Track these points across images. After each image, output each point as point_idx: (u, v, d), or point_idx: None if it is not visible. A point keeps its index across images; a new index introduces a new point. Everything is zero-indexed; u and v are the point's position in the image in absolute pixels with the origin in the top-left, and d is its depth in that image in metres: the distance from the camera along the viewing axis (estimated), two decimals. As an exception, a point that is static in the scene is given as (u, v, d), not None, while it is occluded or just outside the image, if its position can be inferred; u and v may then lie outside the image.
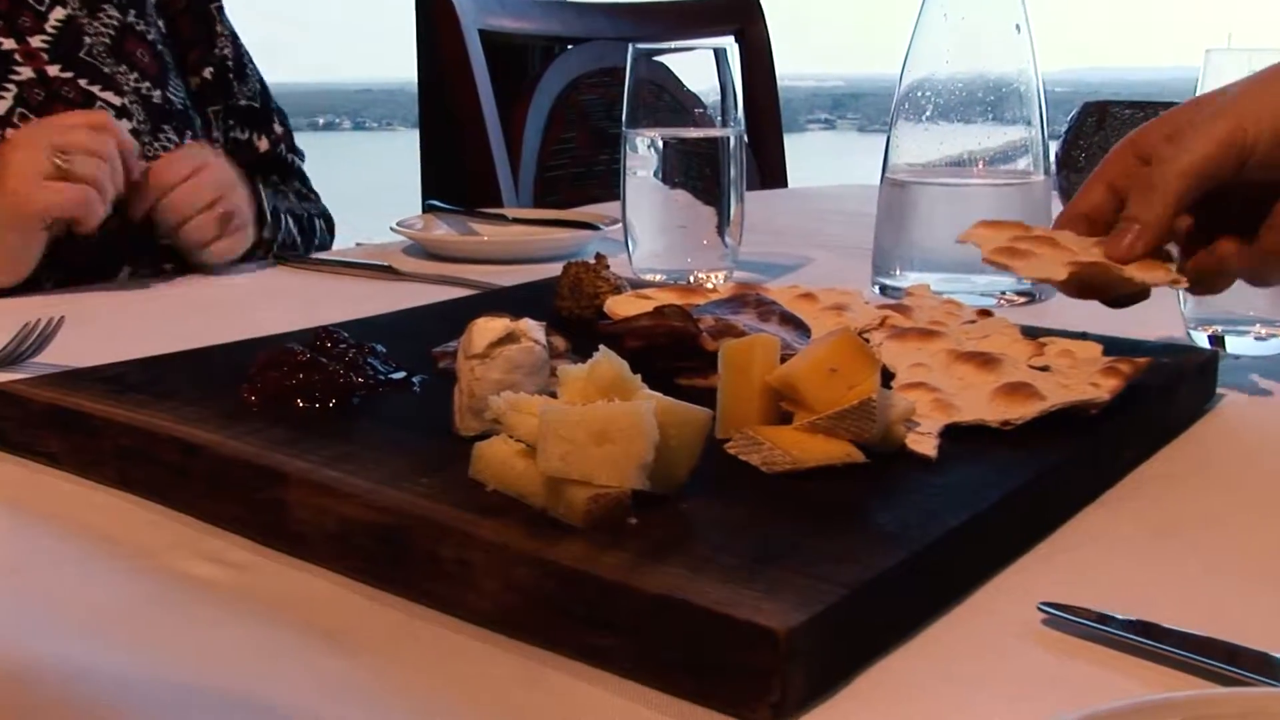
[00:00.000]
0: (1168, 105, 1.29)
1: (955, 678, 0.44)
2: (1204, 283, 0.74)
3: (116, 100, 1.18)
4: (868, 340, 0.74)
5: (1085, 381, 0.65)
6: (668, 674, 0.43)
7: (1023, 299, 1.01)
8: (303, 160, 1.46)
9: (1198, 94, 1.04)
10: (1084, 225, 0.76)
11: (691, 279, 1.09)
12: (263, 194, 1.23)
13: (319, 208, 1.44)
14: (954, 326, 0.77)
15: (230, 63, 1.35)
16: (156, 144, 1.20)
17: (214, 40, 1.34)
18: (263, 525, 0.56)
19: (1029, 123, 1.00)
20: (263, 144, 1.38)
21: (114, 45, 1.21)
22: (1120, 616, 0.46)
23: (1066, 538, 0.56)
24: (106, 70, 1.19)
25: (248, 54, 1.39)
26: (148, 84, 1.22)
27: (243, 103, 1.37)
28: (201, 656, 0.46)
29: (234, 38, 1.37)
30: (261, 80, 1.40)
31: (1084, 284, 0.72)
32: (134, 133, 1.17)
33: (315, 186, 1.47)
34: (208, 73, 1.33)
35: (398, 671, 0.45)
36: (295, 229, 1.33)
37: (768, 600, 0.42)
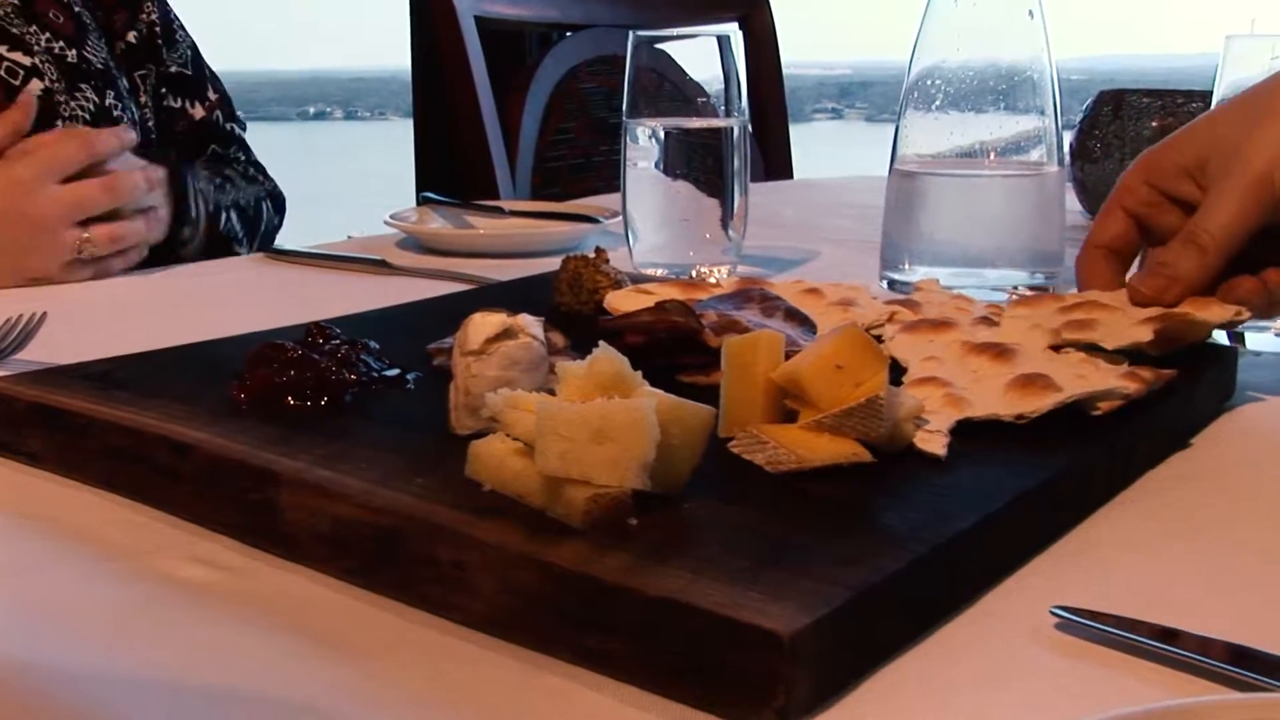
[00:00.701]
0: (1186, 94, 1.29)
1: (965, 683, 0.44)
2: (1258, 311, 0.75)
3: (26, 60, 1.19)
4: (879, 338, 0.75)
5: (1108, 376, 0.65)
6: (669, 678, 0.43)
7: (1036, 294, 1.01)
8: (243, 129, 1.46)
9: (1216, 85, 1.05)
10: (1109, 259, 0.77)
11: (694, 273, 1.09)
12: (191, 194, 1.23)
13: (268, 187, 1.43)
14: (968, 321, 0.77)
15: (158, 28, 1.36)
16: (74, 103, 1.21)
17: (139, 3, 1.35)
18: (253, 527, 0.56)
19: (1043, 112, 1.00)
20: (198, 111, 1.38)
21: (23, 6, 1.23)
22: (1136, 620, 0.47)
23: (1080, 539, 0.56)
24: (15, 31, 1.20)
25: (178, 19, 1.40)
26: (61, 44, 1.23)
27: (173, 69, 1.37)
28: (191, 662, 0.46)
29: (162, 2, 1.37)
30: (194, 46, 1.41)
31: (1168, 338, 0.72)
32: (47, 92, 1.18)
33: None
34: (132, 36, 1.33)
35: (392, 676, 0.45)
36: (239, 224, 1.34)
37: (772, 603, 0.42)
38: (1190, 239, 0.73)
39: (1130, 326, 0.72)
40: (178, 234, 1.22)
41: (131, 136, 1.13)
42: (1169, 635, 0.46)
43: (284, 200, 1.45)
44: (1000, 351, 0.68)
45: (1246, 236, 0.73)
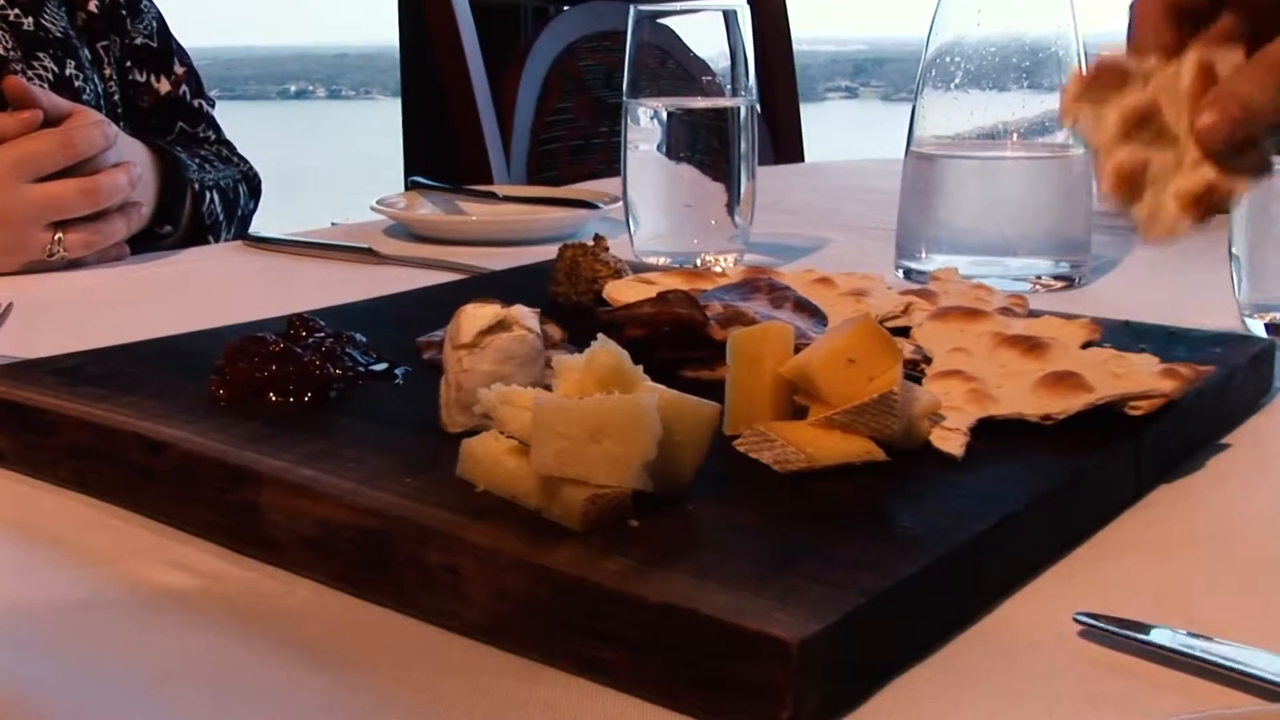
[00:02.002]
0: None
1: (984, 694, 0.45)
2: None
3: None
4: (894, 330, 0.74)
5: (1145, 375, 0.65)
6: (672, 689, 0.44)
7: (1060, 283, 1.01)
8: (212, 106, 1.46)
9: None
10: (1172, 25, 0.59)
11: (698, 262, 1.09)
12: (188, 192, 1.23)
13: (242, 169, 1.43)
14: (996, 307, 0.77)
15: None
16: (31, 71, 1.21)
17: None
18: (233, 529, 0.56)
19: (1068, 90, 1.01)
20: (163, 86, 1.39)
21: None
22: (1164, 627, 0.47)
23: (1106, 543, 0.57)
24: None
25: None
26: (17, 11, 1.23)
27: (138, 41, 1.37)
28: (166, 672, 0.46)
29: None
30: (160, 17, 1.41)
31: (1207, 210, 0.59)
32: (1, 60, 1.19)
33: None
34: (94, 5, 1.33)
35: (380, 688, 0.45)
36: (221, 208, 1.34)
37: (780, 609, 0.43)
38: (1268, 63, 0.56)
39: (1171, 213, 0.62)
40: (161, 228, 1.22)
41: (115, 132, 1.13)
42: (1201, 643, 0.46)
43: (260, 183, 1.46)
44: (1033, 345, 0.68)
45: None
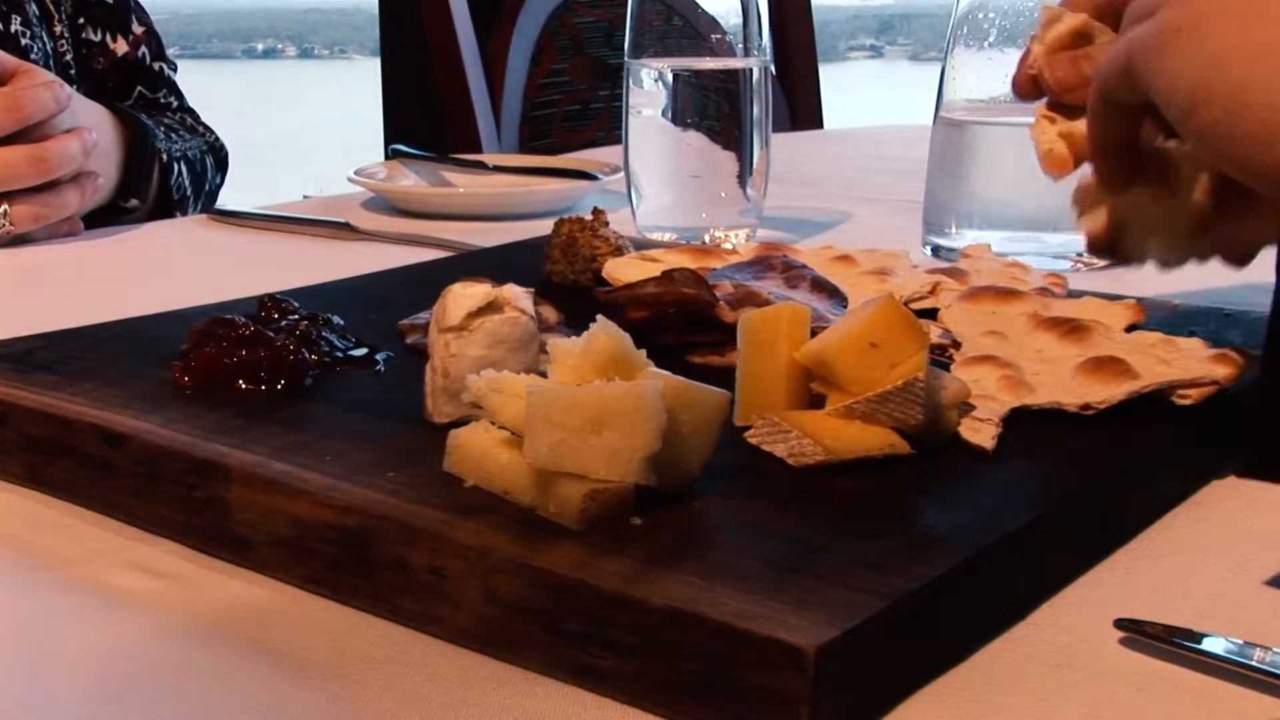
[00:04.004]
0: None
1: (1016, 707, 0.45)
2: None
3: None
4: (933, 312, 0.74)
5: (1194, 360, 0.65)
6: (678, 700, 0.44)
7: (1103, 261, 1.01)
8: (174, 70, 1.45)
9: None
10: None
11: (707, 238, 1.10)
12: (157, 147, 1.23)
13: (209, 139, 1.43)
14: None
15: None
16: None
17: None
18: (200, 529, 0.56)
19: (1111, 50, 1.01)
20: (120, 46, 1.38)
21: None
22: (1217, 635, 0.47)
23: (1150, 544, 0.57)
24: None
25: None
26: None
27: None
28: (128, 683, 0.47)
29: None
30: None
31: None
32: None
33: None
34: None
35: (361, 699, 0.46)
36: (189, 180, 1.34)
37: (795, 614, 0.43)
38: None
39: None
40: (127, 201, 1.22)
41: (68, 94, 1.12)
42: (1251, 653, 0.46)
43: (226, 155, 1.46)
44: (1073, 328, 0.68)
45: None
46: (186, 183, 1.33)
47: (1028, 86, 0.72)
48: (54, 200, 1.12)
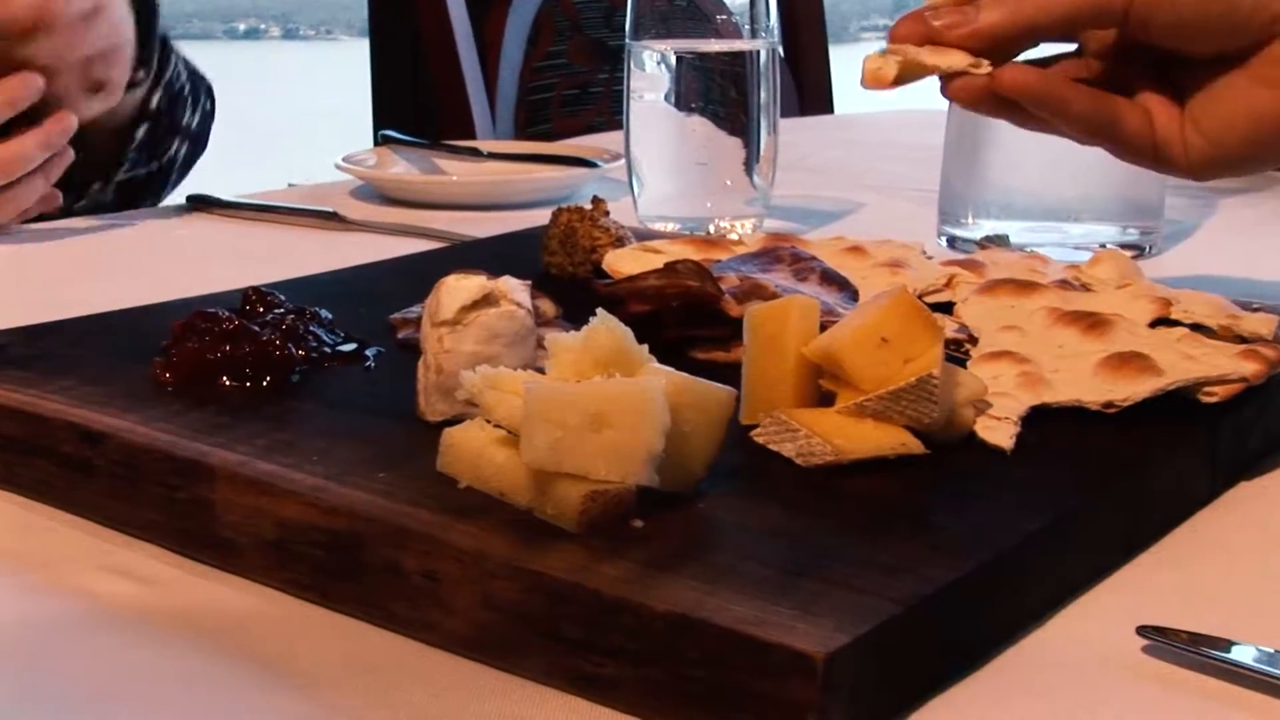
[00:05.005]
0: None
1: (1034, 716, 0.45)
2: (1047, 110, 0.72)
3: None
4: (948, 306, 0.74)
5: (1222, 356, 0.65)
6: (681, 709, 0.44)
7: (1129, 253, 1.02)
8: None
9: None
10: None
11: (711, 228, 1.10)
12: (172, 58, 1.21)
13: (190, 66, 1.39)
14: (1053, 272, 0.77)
15: None
16: None
17: None
18: (183, 531, 0.57)
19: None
20: None
21: None
22: (1246, 644, 0.47)
23: (1174, 547, 0.57)
24: None
25: None
26: None
27: None
28: (108, 693, 0.47)
29: None
30: None
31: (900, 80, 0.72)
32: None
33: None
34: None
35: (351, 708, 0.46)
36: (186, 76, 1.30)
37: (803, 620, 0.43)
38: None
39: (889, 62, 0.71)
40: (135, 74, 1.18)
41: (40, 84, 1.08)
42: (1276, 660, 0.46)
43: (213, 92, 1.42)
44: (1095, 323, 0.68)
45: (1077, 20, 0.71)
46: (184, 79, 1.30)
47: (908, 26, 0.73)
48: (19, 194, 1.10)
